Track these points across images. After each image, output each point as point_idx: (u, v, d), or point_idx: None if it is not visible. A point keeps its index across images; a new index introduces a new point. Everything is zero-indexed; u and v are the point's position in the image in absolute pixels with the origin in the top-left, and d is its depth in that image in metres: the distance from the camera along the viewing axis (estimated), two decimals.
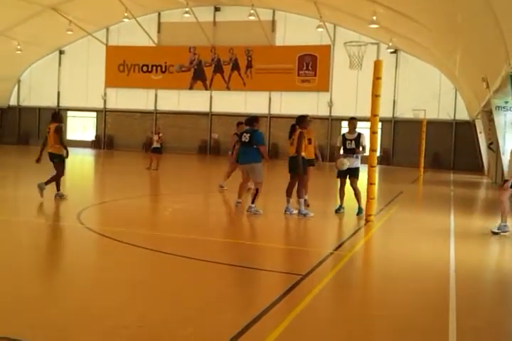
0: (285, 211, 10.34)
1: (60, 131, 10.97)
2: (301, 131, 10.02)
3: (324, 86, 34.01)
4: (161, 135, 20.63)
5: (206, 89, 36.47)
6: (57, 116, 11.32)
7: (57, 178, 10.86)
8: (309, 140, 10.74)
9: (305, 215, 9.98)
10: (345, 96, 33.04)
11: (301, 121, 10.20)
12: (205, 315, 4.62)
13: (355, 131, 10.60)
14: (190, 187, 15.15)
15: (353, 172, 10.54)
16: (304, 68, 34.34)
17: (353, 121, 10.73)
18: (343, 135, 10.73)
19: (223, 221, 10.36)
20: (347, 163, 10.34)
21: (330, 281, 5.85)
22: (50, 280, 5.48)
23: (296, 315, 4.60)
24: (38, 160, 10.97)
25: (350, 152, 10.48)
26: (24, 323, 4.24)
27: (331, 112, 33.72)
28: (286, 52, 34.30)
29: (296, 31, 33.82)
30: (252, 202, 10.27)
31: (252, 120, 10.47)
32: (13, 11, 30.32)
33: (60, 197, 10.96)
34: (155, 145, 20.35)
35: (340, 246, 7.79)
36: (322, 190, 15.55)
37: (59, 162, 10.87)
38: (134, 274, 5.93)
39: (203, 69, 36.43)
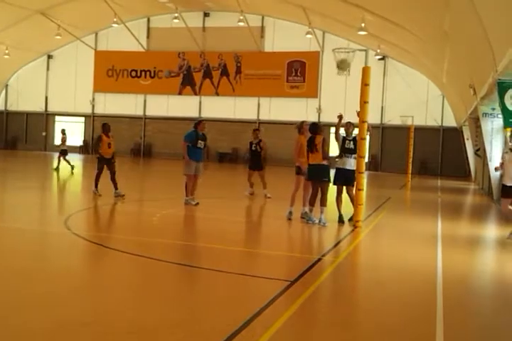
0: (308, 220, 10.11)
1: (97, 140, 13.03)
2: (324, 138, 10.04)
3: (313, 92, 34.15)
4: (63, 136, 21.31)
5: (195, 94, 36.46)
6: (103, 126, 13.14)
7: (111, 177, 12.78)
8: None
9: (324, 224, 9.83)
10: (333, 102, 33.16)
11: (318, 128, 10.14)
12: (193, 320, 4.61)
13: (352, 134, 10.58)
14: (177, 192, 15.12)
15: (350, 180, 10.32)
16: (293, 74, 34.47)
17: (351, 124, 10.66)
18: (343, 135, 10.59)
19: (210, 227, 10.33)
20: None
21: (318, 287, 5.86)
22: (35, 287, 5.43)
23: (284, 321, 4.61)
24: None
25: (348, 151, 10.38)
26: (10, 329, 4.20)
27: (319, 118, 33.84)
28: (275, 58, 34.41)
29: (285, 37, 33.95)
30: (186, 195, 11.84)
31: (195, 123, 12.18)
32: (1, 15, 30.18)
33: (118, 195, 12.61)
34: (63, 147, 20.87)
35: (328, 252, 7.80)
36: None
37: (107, 164, 12.86)
38: (122, 280, 5.89)
39: (192, 74, 36.44)
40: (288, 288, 5.61)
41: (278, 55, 34.34)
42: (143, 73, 37.27)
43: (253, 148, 14.19)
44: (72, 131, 39.47)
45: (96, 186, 12.84)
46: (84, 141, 38.78)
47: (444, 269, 6.88)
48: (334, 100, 33.06)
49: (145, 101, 37.44)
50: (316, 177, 10.03)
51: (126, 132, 37.49)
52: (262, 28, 34.92)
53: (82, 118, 38.90)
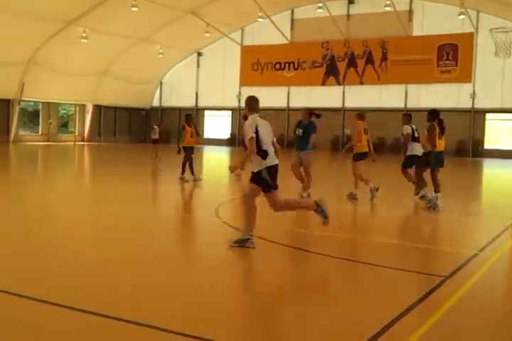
0: (433, 207, 9.98)
1: (180, 130, 14.52)
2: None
3: (466, 76, 32.06)
4: (155, 127, 22.77)
5: (339, 84, 36.02)
6: (187, 117, 14.77)
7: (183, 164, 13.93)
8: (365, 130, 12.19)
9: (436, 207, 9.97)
10: (490, 86, 30.86)
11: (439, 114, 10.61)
12: (343, 312, 4.47)
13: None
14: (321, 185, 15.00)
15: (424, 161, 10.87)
16: (444, 58, 32.63)
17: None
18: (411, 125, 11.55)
19: (350, 218, 10.08)
20: None
21: (474, 284, 5.40)
22: (184, 272, 5.64)
23: (437, 319, 4.29)
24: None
25: (417, 140, 11.32)
26: (156, 314, 4.38)
27: (473, 104, 31.73)
28: (424, 43, 32.82)
29: (435, 20, 32.22)
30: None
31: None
32: (156, 16, 32.18)
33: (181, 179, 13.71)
34: (154, 136, 22.33)
35: (485, 246, 7.20)
36: (462, 187, 14.58)
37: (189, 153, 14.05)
38: (265, 269, 5.92)
39: (336, 64, 36.04)
40: (441, 284, 5.25)
41: (427, 39, 32.71)
42: (286, 65, 37.64)
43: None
44: (220, 125, 41.20)
45: (183, 173, 13.81)
46: (231, 134, 40.16)
47: None
48: (490, 84, 30.76)
49: (288, 93, 37.80)
50: (442, 164, 10.25)
51: (271, 124, 38.13)
52: (410, 11, 33.46)
53: (229, 112, 40.31)
